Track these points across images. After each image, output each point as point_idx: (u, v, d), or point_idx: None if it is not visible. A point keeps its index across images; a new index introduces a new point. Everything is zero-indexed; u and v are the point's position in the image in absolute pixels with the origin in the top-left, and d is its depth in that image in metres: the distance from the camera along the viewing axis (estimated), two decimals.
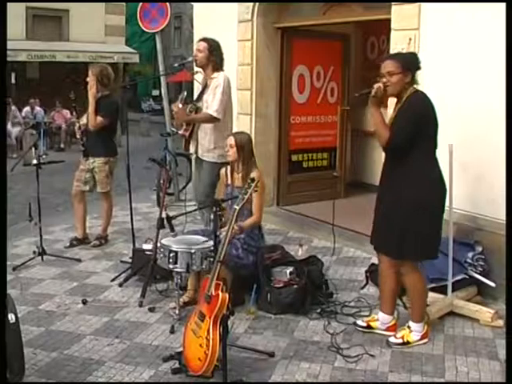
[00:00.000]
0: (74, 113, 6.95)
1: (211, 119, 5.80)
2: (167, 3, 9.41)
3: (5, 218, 4.10)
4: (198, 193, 6.15)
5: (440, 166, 4.28)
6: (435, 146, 4.27)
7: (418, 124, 4.12)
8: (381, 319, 4.58)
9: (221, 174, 5.46)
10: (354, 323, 4.70)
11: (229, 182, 5.33)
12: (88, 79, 6.67)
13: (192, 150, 6.08)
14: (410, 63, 4.24)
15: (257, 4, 7.76)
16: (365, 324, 4.63)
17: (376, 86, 4.24)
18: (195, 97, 6.41)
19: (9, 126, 16.95)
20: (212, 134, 5.87)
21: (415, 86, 4.27)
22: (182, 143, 6.20)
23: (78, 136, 6.80)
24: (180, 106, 5.94)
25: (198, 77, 6.18)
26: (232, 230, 4.03)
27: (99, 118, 6.59)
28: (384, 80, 4.22)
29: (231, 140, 5.23)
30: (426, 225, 4.22)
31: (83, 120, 6.73)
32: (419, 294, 4.45)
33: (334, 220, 4.68)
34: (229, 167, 5.36)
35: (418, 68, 4.28)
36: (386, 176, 4.39)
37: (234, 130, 6.08)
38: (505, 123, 4.61)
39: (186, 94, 6.03)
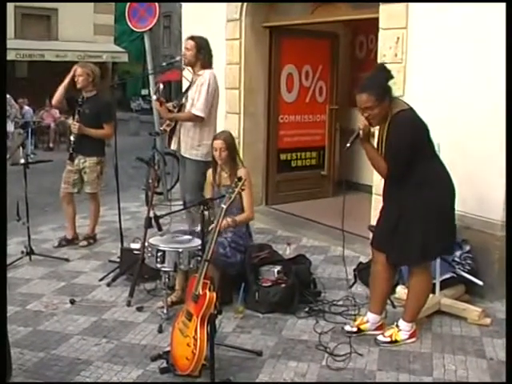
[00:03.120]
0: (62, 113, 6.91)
1: (194, 118, 5.76)
2: (156, 2, 9.39)
3: (5, 218, 4.06)
4: (184, 191, 6.12)
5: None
6: (433, 148, 4.27)
7: (411, 146, 4.09)
8: (371, 320, 4.54)
9: (208, 175, 5.43)
10: (343, 328, 4.57)
11: (216, 182, 5.31)
12: (79, 78, 6.60)
13: (174, 146, 6.05)
14: (382, 88, 4.13)
15: (245, 3, 7.76)
16: (355, 329, 4.52)
17: (361, 125, 4.18)
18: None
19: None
20: (196, 131, 5.81)
21: (396, 100, 4.23)
22: (166, 140, 6.17)
23: (72, 138, 6.63)
24: (154, 97, 5.93)
25: (187, 74, 6.14)
26: (220, 227, 4.03)
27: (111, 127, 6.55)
28: (366, 114, 4.15)
29: (221, 144, 5.15)
30: (446, 223, 4.26)
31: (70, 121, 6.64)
32: (422, 294, 4.41)
33: (343, 225, 4.60)
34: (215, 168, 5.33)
35: (391, 78, 4.18)
36: (395, 182, 4.31)
37: (220, 128, 6.02)
38: (505, 123, 4.61)
39: (162, 86, 5.99)
